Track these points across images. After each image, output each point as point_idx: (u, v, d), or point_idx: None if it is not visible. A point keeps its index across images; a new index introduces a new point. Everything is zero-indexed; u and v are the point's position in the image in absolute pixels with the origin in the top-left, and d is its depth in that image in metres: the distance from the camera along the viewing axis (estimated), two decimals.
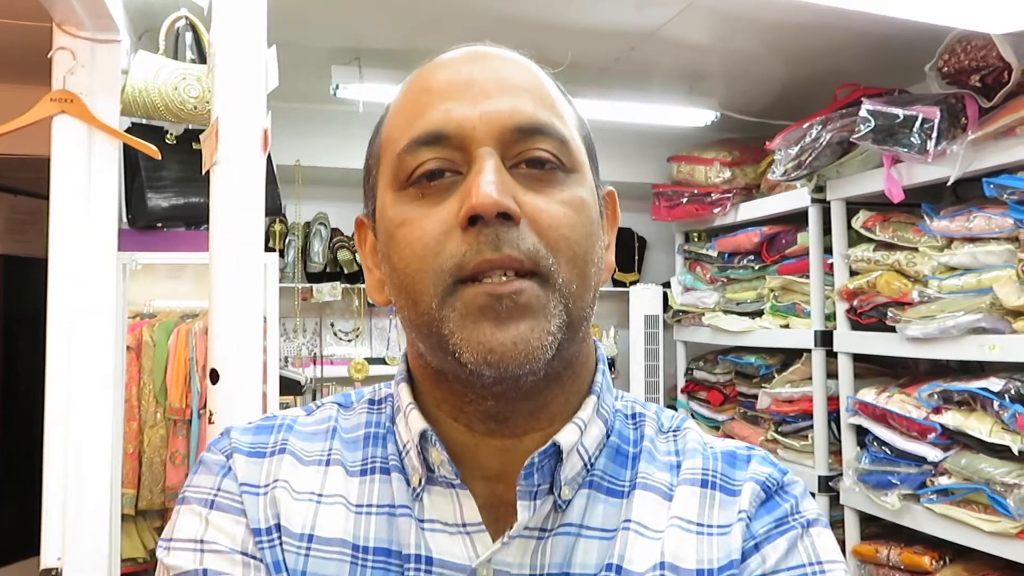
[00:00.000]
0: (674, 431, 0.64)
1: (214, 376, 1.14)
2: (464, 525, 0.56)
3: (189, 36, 1.94)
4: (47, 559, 1.55)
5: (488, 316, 0.52)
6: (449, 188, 0.55)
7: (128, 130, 1.92)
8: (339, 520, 0.58)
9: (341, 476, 0.60)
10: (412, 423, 0.58)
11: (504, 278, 0.52)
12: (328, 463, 0.61)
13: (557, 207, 0.55)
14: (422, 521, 0.57)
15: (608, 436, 0.61)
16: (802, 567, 0.56)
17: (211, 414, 1.14)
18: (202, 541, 0.57)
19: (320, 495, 0.59)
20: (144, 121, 1.97)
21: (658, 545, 0.56)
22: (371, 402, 0.66)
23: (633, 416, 0.65)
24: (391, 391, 0.64)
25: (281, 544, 0.57)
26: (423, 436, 0.57)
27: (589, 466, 0.59)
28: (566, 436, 0.56)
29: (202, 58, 1.94)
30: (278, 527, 0.58)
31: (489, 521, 0.57)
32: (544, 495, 0.56)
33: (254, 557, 0.57)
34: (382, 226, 0.58)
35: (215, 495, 0.59)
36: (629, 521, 0.57)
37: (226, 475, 0.60)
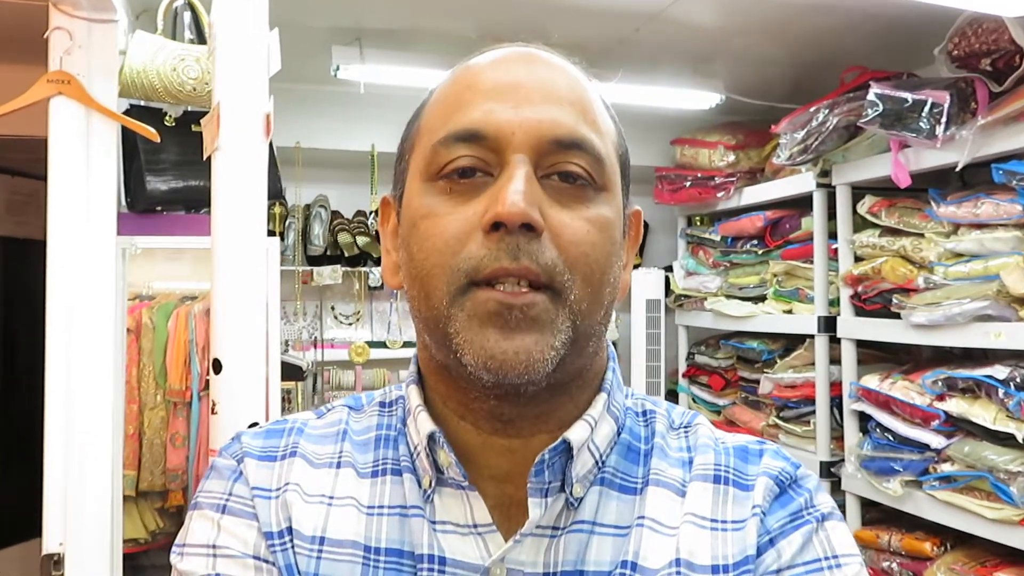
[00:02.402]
0: (685, 427, 0.64)
1: (217, 366, 1.13)
2: (475, 526, 0.56)
3: (188, 16, 1.91)
4: (49, 544, 1.55)
5: (496, 323, 0.52)
6: (478, 188, 0.55)
7: (126, 112, 1.90)
8: (350, 522, 0.58)
9: (352, 478, 0.60)
10: (420, 425, 0.58)
11: (518, 287, 0.52)
12: (339, 465, 0.61)
13: (581, 224, 0.55)
14: (434, 522, 0.57)
15: (619, 433, 0.61)
16: (818, 561, 0.56)
17: (214, 404, 1.13)
18: (214, 546, 0.58)
19: (331, 497, 0.59)
20: (143, 103, 1.95)
21: (673, 541, 0.56)
22: (382, 404, 0.66)
23: (644, 413, 0.65)
24: (402, 393, 0.64)
25: (293, 547, 0.57)
26: (431, 438, 0.57)
27: (600, 463, 0.59)
28: (576, 433, 0.56)
29: (201, 38, 1.92)
30: (290, 530, 0.58)
31: (501, 521, 0.57)
32: (555, 492, 0.56)
33: (266, 561, 0.57)
34: (407, 213, 0.58)
35: (227, 500, 0.59)
36: (643, 518, 0.57)
37: (237, 479, 0.60)
